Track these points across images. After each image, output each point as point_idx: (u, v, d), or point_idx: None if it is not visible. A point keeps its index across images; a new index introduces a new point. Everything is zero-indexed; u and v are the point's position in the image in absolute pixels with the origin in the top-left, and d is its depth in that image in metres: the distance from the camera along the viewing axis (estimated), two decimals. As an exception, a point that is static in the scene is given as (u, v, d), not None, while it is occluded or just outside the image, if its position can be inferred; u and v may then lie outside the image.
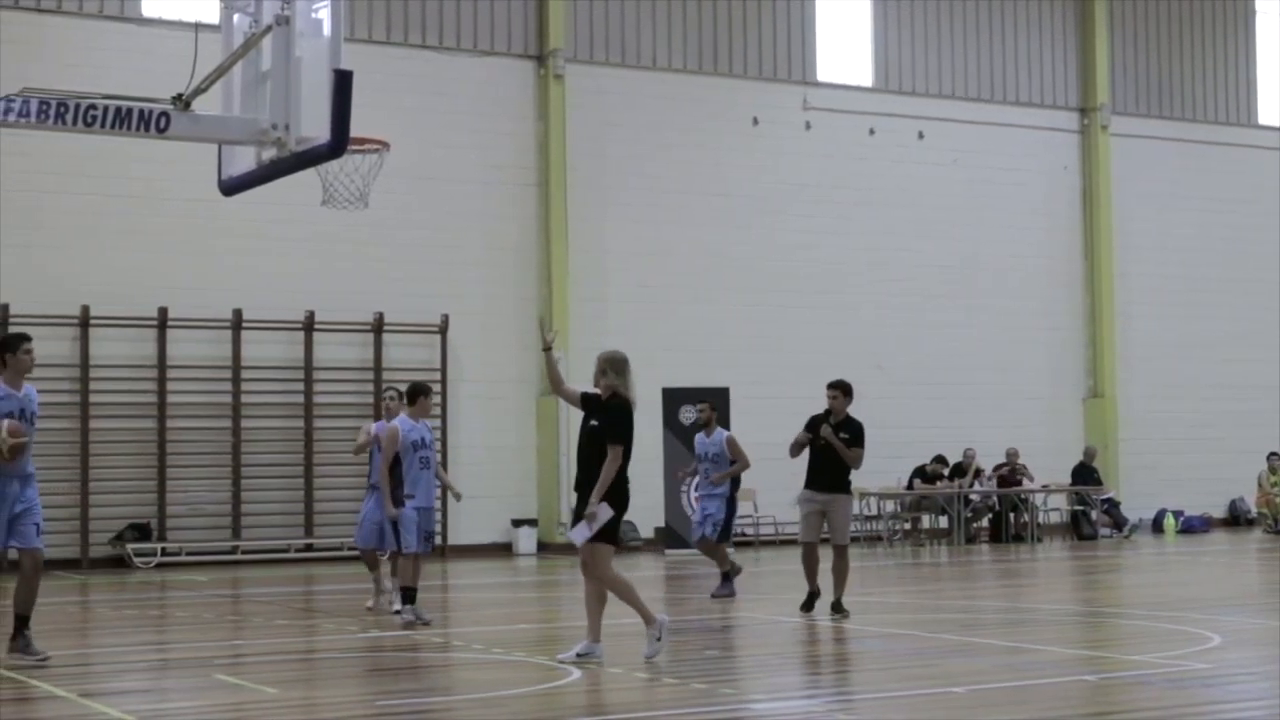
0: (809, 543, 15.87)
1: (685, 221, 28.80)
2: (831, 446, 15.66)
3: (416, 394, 15.49)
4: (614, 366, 12.36)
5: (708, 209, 29.04)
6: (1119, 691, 10.93)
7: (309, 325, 25.90)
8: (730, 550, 19.28)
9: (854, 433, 15.74)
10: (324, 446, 25.62)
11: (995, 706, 10.13)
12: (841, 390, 15.89)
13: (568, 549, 26.76)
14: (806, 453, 15.91)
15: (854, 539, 27.74)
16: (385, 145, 17.33)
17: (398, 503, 15.17)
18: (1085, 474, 30.51)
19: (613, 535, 12.32)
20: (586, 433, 12.33)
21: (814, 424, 15.81)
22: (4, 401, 12.15)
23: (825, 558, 15.70)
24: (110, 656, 12.33)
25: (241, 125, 11.72)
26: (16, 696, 11.03)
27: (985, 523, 29.83)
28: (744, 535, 27.52)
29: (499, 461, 27.10)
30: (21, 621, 12.26)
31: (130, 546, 24.37)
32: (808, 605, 15.71)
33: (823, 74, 30.39)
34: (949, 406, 30.58)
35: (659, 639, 12.13)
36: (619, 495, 12.15)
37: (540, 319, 13.07)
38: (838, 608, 15.43)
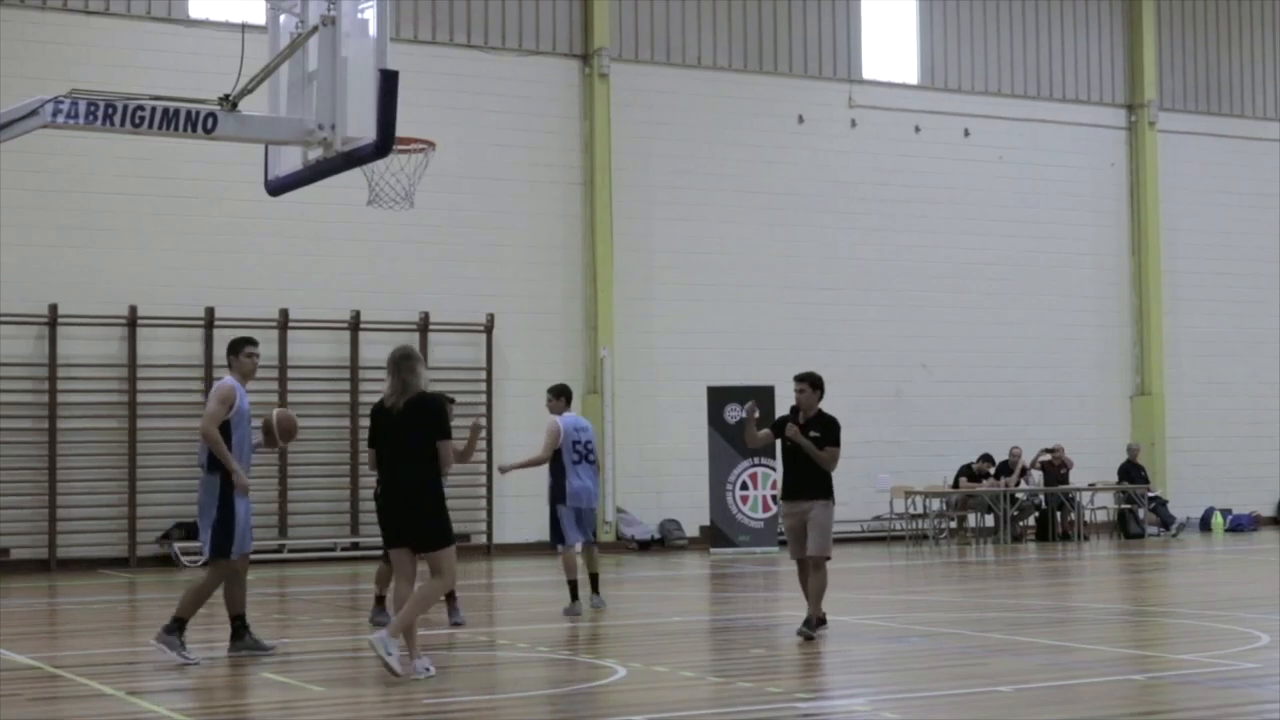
0: (799, 560, 14.04)
1: (730, 220, 28.78)
2: (800, 448, 13.77)
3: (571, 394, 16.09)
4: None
5: (752, 207, 29.01)
6: (1166, 691, 10.88)
7: (355, 325, 25.98)
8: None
9: (825, 429, 13.76)
10: (370, 445, 25.66)
11: (1041, 706, 10.09)
12: (809, 383, 13.90)
13: (613, 547, 26.84)
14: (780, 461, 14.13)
15: (899, 537, 28.16)
16: (431, 145, 17.37)
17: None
18: (1132, 472, 30.35)
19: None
20: None
21: (780, 425, 13.97)
22: (244, 398, 12.50)
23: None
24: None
25: (288, 125, 11.80)
26: (66, 695, 11.12)
27: (1031, 521, 29.69)
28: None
29: (544, 460, 27.06)
30: (240, 621, 12.86)
31: (177, 545, 24.47)
32: (807, 626, 13.67)
33: (868, 71, 30.32)
34: (995, 405, 30.50)
35: (391, 653, 11.12)
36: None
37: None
38: (809, 624, 13.58)
